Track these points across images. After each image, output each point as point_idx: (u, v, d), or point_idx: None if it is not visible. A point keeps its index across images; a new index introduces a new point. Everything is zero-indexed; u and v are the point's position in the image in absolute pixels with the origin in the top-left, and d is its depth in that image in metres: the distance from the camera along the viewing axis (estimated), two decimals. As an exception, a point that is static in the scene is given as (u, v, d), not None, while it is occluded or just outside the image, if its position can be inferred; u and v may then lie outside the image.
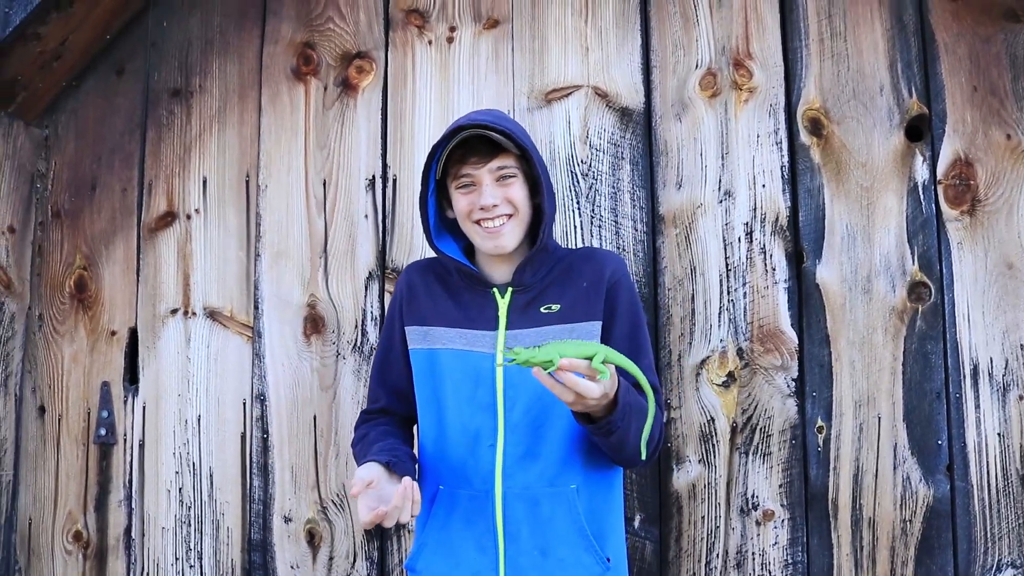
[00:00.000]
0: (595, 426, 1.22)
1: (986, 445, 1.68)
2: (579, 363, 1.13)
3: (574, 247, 1.76)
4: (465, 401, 1.33)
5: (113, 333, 1.90)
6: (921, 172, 1.75)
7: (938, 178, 1.74)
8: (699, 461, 1.73)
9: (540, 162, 1.37)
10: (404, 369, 1.42)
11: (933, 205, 1.74)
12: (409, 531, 1.77)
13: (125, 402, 1.88)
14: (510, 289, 1.36)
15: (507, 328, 1.33)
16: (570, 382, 1.13)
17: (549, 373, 1.13)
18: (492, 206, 1.33)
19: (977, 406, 1.69)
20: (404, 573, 1.77)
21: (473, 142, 1.33)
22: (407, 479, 1.22)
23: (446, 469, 1.35)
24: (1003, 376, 1.69)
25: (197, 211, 1.90)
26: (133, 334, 1.89)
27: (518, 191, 1.36)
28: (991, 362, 1.70)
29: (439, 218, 1.41)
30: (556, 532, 1.30)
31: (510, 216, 1.35)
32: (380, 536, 1.79)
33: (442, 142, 1.36)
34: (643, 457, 1.27)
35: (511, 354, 1.13)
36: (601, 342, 1.32)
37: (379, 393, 1.47)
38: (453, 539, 1.32)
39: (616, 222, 1.79)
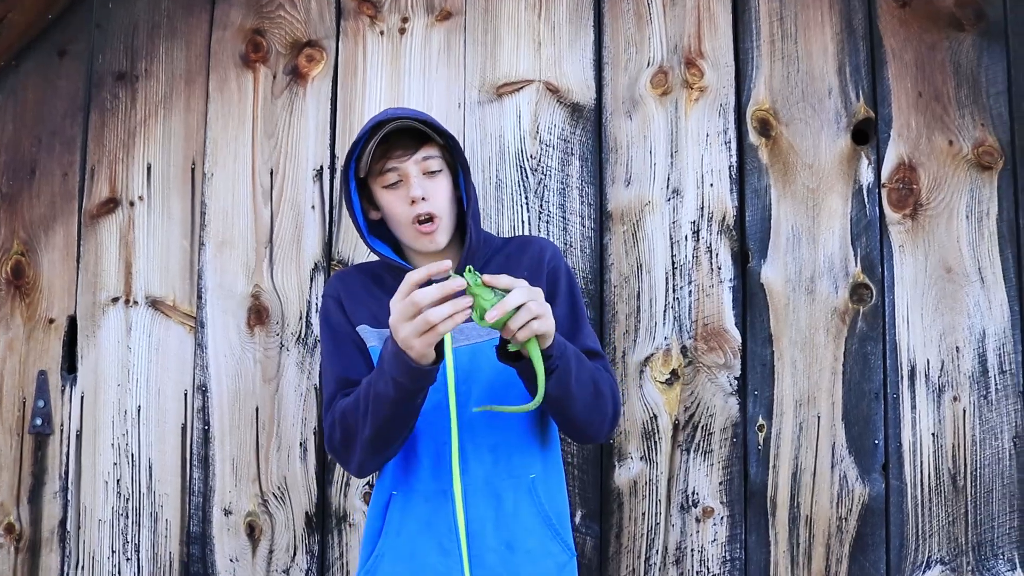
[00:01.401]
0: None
1: (920, 445, 1.71)
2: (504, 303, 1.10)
3: (506, 236, 1.76)
4: None
5: (51, 321, 1.86)
6: (866, 175, 1.77)
7: (882, 181, 1.77)
8: (641, 458, 1.74)
9: (461, 151, 1.37)
10: (362, 361, 1.36)
11: (877, 208, 1.77)
12: (350, 524, 1.76)
13: (63, 391, 1.84)
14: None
15: None
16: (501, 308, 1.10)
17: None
18: (421, 198, 1.31)
19: (913, 407, 1.72)
20: (344, 567, 1.76)
21: (395, 137, 1.32)
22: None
23: (399, 473, 1.32)
24: (939, 378, 1.72)
25: (140, 198, 1.87)
26: (72, 322, 1.85)
27: (443, 188, 1.35)
28: (928, 364, 1.73)
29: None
30: (521, 524, 1.29)
31: (439, 218, 1.33)
32: (321, 530, 1.77)
33: (360, 139, 1.33)
34: (602, 420, 1.28)
35: (471, 275, 1.10)
36: None
37: (345, 382, 1.34)
38: (413, 545, 1.29)
39: (564, 218, 1.79)
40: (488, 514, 1.28)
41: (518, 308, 1.10)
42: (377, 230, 1.42)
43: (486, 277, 1.12)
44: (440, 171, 1.35)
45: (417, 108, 1.80)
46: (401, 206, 1.33)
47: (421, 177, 1.33)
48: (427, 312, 1.08)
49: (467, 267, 1.13)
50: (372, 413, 1.21)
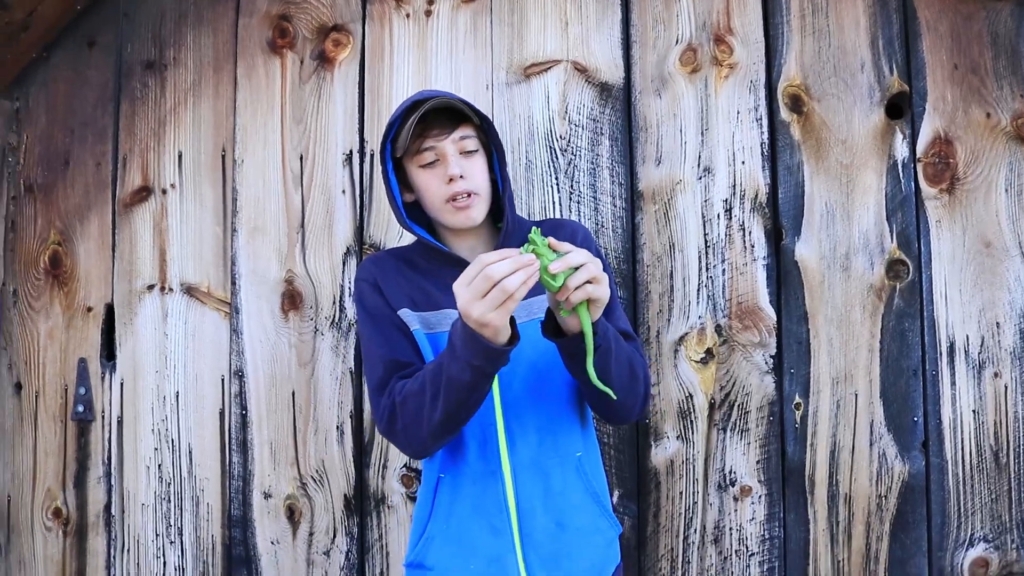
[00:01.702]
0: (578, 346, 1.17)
1: (961, 422, 1.70)
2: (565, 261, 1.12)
3: (537, 219, 1.75)
4: None
5: (89, 309, 1.88)
6: (901, 150, 1.75)
7: (918, 156, 1.74)
8: (677, 437, 1.74)
9: (496, 133, 1.37)
10: (407, 343, 1.34)
11: (912, 183, 1.74)
12: (389, 506, 1.78)
13: (102, 379, 1.87)
14: None
15: None
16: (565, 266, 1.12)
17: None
18: (459, 176, 1.31)
19: (953, 383, 1.70)
20: (383, 548, 1.78)
21: (431, 117, 1.32)
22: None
23: (445, 455, 1.33)
24: (979, 354, 1.70)
25: (172, 186, 1.88)
26: (109, 310, 1.88)
27: (480, 167, 1.35)
28: (967, 340, 1.71)
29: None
30: (570, 501, 1.29)
31: (477, 195, 1.34)
32: (360, 512, 1.79)
33: (396, 119, 1.34)
34: (634, 401, 1.28)
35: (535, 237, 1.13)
36: None
37: (395, 364, 1.32)
38: (463, 526, 1.29)
39: (595, 198, 1.78)
40: (537, 493, 1.28)
41: (578, 269, 1.11)
42: (411, 214, 1.42)
43: (551, 240, 1.13)
44: (476, 151, 1.35)
45: (446, 90, 1.80)
46: (438, 185, 1.33)
47: (458, 156, 1.33)
48: (502, 283, 1.08)
49: (533, 228, 1.14)
50: (444, 398, 1.19)
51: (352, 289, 1.78)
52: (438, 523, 1.31)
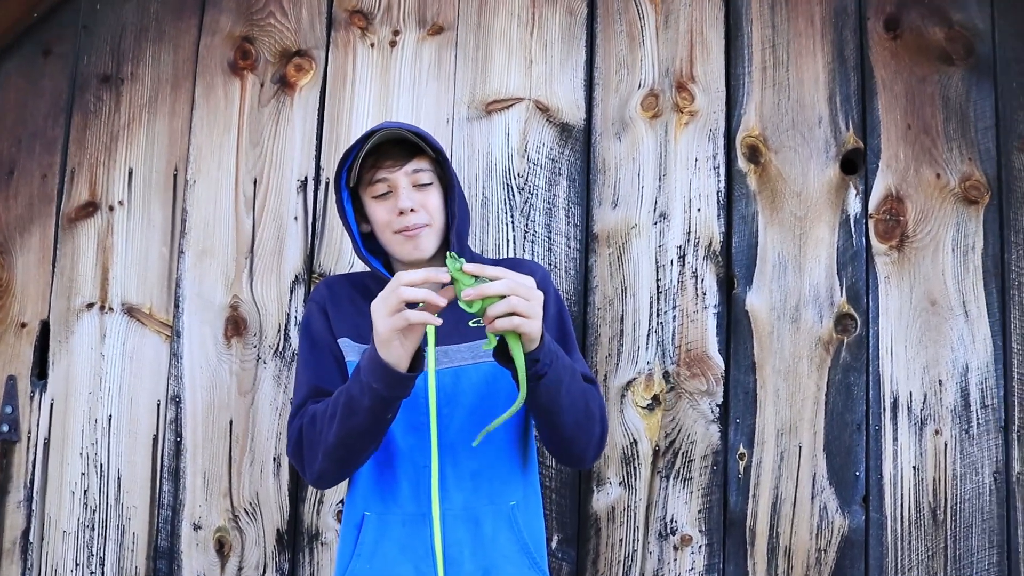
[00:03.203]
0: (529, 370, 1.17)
1: (901, 478, 1.70)
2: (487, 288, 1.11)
3: (493, 257, 1.74)
4: (399, 423, 1.28)
5: (23, 325, 1.82)
6: (854, 205, 1.77)
7: (870, 212, 1.77)
8: (620, 483, 1.72)
9: (451, 167, 1.37)
10: (337, 373, 1.34)
11: (864, 238, 1.76)
12: (322, 543, 1.73)
13: (31, 398, 1.80)
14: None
15: (436, 344, 1.30)
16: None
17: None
18: (410, 210, 1.30)
19: (895, 439, 1.71)
20: (314, 587, 1.72)
21: (385, 148, 1.32)
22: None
23: (374, 493, 1.30)
24: (921, 410, 1.72)
25: (120, 203, 1.83)
26: (44, 327, 1.81)
27: (435, 199, 1.34)
28: (911, 396, 1.72)
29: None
30: (499, 551, 1.27)
31: (427, 226, 1.33)
32: (292, 547, 1.74)
33: (353, 149, 1.33)
34: (588, 441, 1.27)
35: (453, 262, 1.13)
36: None
37: (317, 391, 1.32)
38: (389, 567, 1.27)
39: (549, 238, 1.77)
40: (466, 540, 1.27)
41: (502, 299, 1.10)
42: (367, 245, 1.41)
43: (469, 266, 1.12)
44: (431, 184, 1.35)
45: (407, 122, 1.79)
46: (389, 216, 1.32)
47: (411, 189, 1.33)
48: (398, 289, 1.11)
49: (448, 253, 1.14)
50: (340, 419, 1.19)
51: (301, 314, 1.75)
52: (362, 561, 1.28)
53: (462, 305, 1.11)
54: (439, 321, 1.12)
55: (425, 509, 1.27)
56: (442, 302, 1.12)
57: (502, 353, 1.18)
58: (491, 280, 1.11)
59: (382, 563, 1.27)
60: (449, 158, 1.42)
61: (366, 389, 1.16)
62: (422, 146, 1.33)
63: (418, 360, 1.17)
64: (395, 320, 1.11)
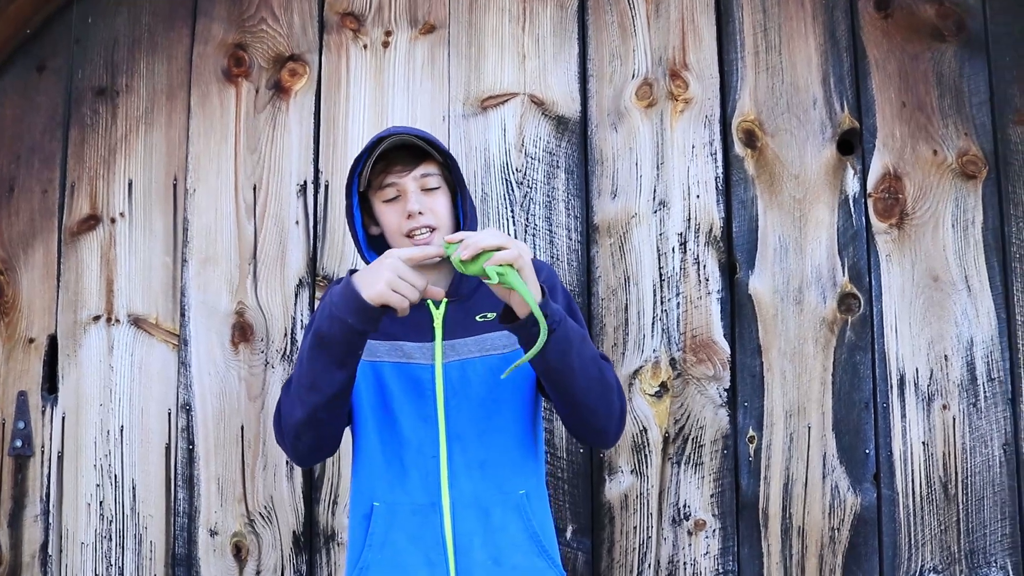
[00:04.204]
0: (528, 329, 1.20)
1: (911, 454, 1.71)
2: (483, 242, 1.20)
3: None
4: (408, 414, 1.31)
5: (31, 340, 1.83)
6: (852, 185, 1.78)
7: (868, 191, 1.77)
8: (631, 472, 1.73)
9: (459, 170, 1.40)
10: None
11: (863, 218, 1.77)
12: (339, 543, 1.74)
13: (43, 412, 1.81)
14: (444, 300, 1.35)
15: (444, 339, 1.33)
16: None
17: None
18: (418, 213, 1.33)
19: (903, 416, 1.72)
20: (332, 588, 1.74)
21: (395, 154, 1.34)
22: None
23: (383, 484, 1.31)
24: (928, 386, 1.72)
25: (122, 215, 1.84)
26: (53, 342, 1.82)
27: (442, 203, 1.37)
28: (917, 372, 1.73)
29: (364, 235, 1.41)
30: (509, 539, 1.29)
31: (434, 229, 1.35)
32: (309, 549, 1.75)
33: (364, 154, 1.36)
34: (609, 412, 1.29)
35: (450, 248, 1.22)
36: None
37: None
38: (399, 557, 1.28)
39: (550, 231, 1.78)
40: (476, 529, 1.28)
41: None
42: (377, 246, 1.43)
43: (452, 236, 1.23)
44: (439, 188, 1.37)
45: (402, 122, 1.80)
46: (398, 220, 1.35)
47: (419, 193, 1.35)
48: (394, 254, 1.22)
49: (445, 240, 1.22)
50: (309, 359, 1.24)
51: (304, 321, 1.76)
52: (373, 552, 1.30)
53: (458, 267, 1.20)
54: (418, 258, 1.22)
55: (435, 498, 1.28)
56: (424, 255, 1.22)
57: (509, 318, 1.22)
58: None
59: (392, 553, 1.29)
60: (457, 161, 1.44)
61: (335, 322, 1.21)
62: (430, 151, 1.36)
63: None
64: (389, 295, 1.19)
